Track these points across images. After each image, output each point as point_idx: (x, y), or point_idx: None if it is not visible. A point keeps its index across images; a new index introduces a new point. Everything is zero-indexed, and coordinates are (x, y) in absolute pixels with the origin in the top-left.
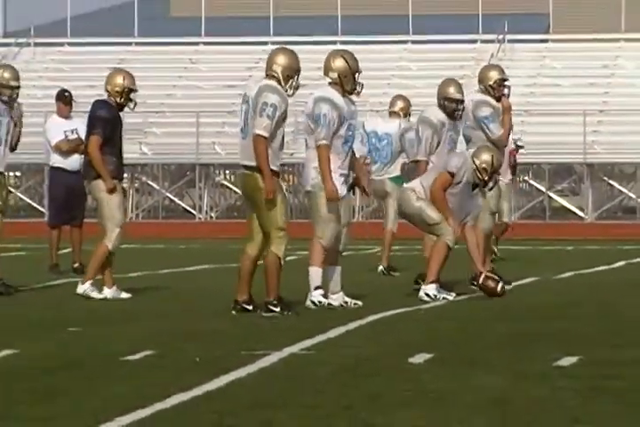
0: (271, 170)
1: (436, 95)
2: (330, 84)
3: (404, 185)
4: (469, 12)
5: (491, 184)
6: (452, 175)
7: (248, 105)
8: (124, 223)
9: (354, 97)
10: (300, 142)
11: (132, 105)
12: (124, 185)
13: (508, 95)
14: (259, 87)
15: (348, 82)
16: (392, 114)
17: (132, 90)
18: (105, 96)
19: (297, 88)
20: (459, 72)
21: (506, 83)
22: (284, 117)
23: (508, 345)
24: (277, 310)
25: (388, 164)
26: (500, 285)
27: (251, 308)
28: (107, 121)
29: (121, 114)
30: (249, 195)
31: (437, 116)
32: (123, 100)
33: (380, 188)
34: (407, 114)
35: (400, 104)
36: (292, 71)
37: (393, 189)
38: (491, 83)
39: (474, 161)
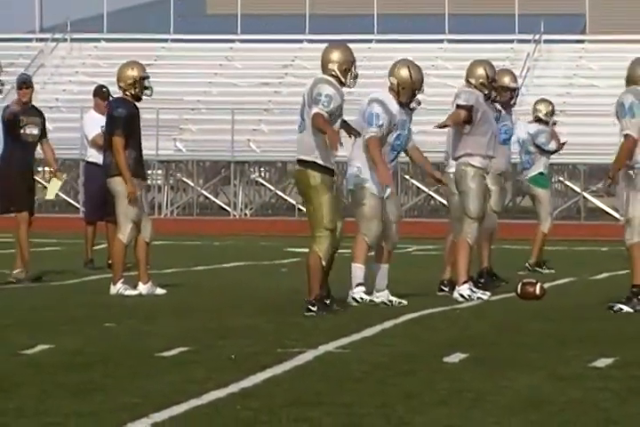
0: (325, 167)
1: None
2: (389, 89)
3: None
4: (506, 12)
5: (494, 94)
6: (467, 109)
7: (304, 100)
8: (139, 218)
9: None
10: (344, 139)
11: (149, 92)
12: (159, 181)
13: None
14: (313, 80)
15: (404, 94)
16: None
17: (143, 78)
18: (120, 94)
19: (356, 77)
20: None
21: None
22: (339, 113)
23: (543, 345)
24: (315, 309)
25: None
26: (539, 286)
27: (328, 302)
28: (125, 119)
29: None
30: (301, 191)
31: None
32: (137, 90)
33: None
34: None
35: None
36: (349, 63)
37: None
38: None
39: (469, 81)
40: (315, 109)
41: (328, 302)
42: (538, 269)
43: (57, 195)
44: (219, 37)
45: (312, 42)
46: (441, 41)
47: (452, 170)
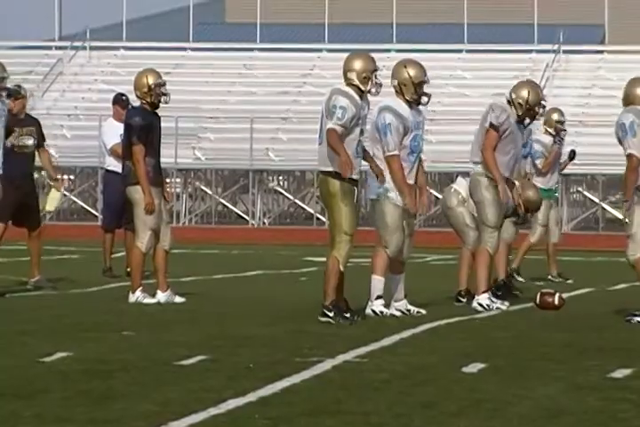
0: (349, 178)
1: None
2: (395, 92)
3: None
4: (525, 22)
5: (528, 120)
6: (496, 129)
7: (322, 111)
8: (158, 226)
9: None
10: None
11: (167, 98)
12: (177, 190)
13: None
14: (329, 91)
15: (407, 91)
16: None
17: (158, 85)
18: (138, 102)
19: (380, 85)
20: (513, 82)
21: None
22: (356, 123)
23: (562, 356)
24: (331, 315)
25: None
26: (557, 296)
27: (348, 315)
28: (142, 128)
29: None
30: (322, 198)
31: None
32: (153, 98)
33: None
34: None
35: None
36: (368, 72)
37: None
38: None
39: (511, 95)
40: (329, 125)
41: (348, 315)
42: (516, 276)
43: (58, 205)
44: (238, 46)
45: (331, 51)
46: (459, 51)
47: (456, 186)
